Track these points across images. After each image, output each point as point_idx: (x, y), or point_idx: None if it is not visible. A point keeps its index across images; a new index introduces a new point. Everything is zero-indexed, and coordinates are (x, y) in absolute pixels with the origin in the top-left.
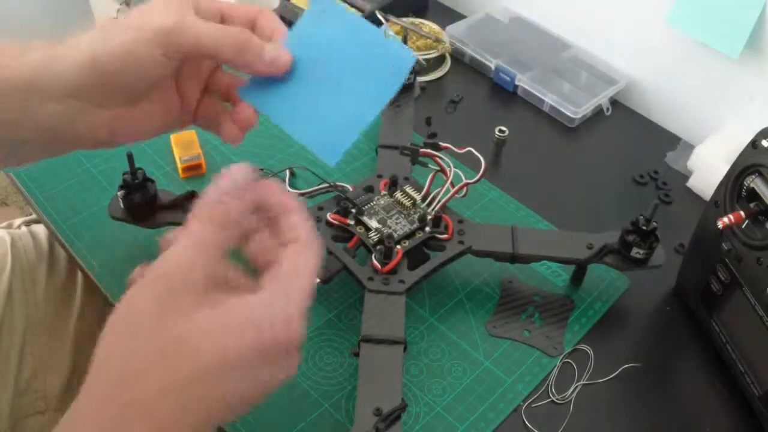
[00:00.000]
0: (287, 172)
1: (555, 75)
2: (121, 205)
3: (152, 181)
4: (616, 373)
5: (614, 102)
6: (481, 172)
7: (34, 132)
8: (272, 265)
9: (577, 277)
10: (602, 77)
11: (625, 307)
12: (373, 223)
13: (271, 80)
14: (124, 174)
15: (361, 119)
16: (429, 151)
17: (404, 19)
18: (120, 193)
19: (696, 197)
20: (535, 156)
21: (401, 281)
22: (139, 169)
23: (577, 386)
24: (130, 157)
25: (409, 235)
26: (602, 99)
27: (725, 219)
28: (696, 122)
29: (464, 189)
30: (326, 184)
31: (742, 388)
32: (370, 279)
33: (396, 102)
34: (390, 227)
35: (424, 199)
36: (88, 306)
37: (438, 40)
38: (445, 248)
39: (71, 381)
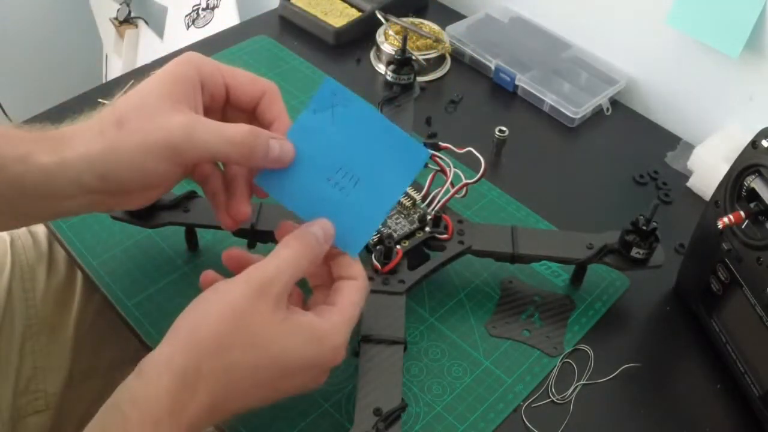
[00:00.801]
0: None
1: (555, 75)
2: None
3: None
4: (616, 373)
5: (614, 102)
6: (481, 172)
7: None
8: (324, 289)
9: (577, 277)
10: (602, 77)
11: (625, 307)
12: None
13: (287, 169)
14: None
15: (379, 213)
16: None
17: (404, 19)
18: None
19: (696, 197)
20: (535, 156)
21: (401, 281)
22: None
23: (577, 386)
24: None
25: (409, 235)
26: (602, 99)
27: (725, 219)
28: (696, 122)
29: (464, 189)
30: None
31: (742, 388)
32: (370, 279)
33: (396, 102)
34: (390, 227)
35: (424, 199)
36: (87, 306)
37: (438, 40)
38: (445, 248)
39: (71, 381)
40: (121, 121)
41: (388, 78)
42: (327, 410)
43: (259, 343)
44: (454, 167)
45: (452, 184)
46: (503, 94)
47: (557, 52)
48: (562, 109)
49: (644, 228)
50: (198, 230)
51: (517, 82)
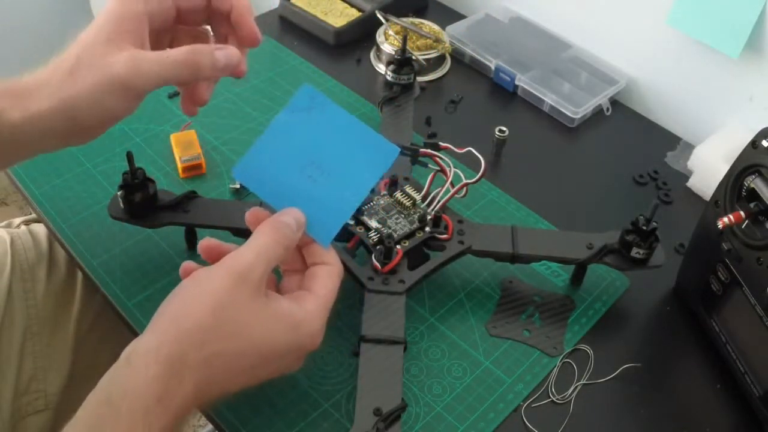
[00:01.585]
0: None
1: (555, 75)
2: (121, 205)
3: (152, 181)
4: (616, 373)
5: (614, 102)
6: (481, 172)
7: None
8: (295, 274)
9: (577, 277)
10: (602, 77)
11: (625, 307)
12: (373, 223)
13: (263, 163)
14: (124, 174)
15: (349, 205)
16: (429, 151)
17: (404, 19)
18: (120, 193)
19: (696, 197)
20: (535, 156)
21: (401, 281)
22: (139, 168)
23: (577, 386)
24: (130, 156)
25: (409, 235)
26: (602, 99)
27: (725, 219)
28: (696, 122)
29: (464, 189)
30: None
31: (742, 388)
32: (370, 279)
33: (396, 102)
34: (390, 227)
35: (424, 199)
36: (88, 306)
37: (438, 40)
38: (445, 248)
39: (71, 380)
40: (74, 69)
41: (388, 78)
42: (327, 410)
43: (241, 332)
44: (454, 167)
45: (452, 184)
46: (503, 94)
47: (557, 52)
48: (562, 109)
49: (644, 228)
50: (198, 230)
51: (517, 82)
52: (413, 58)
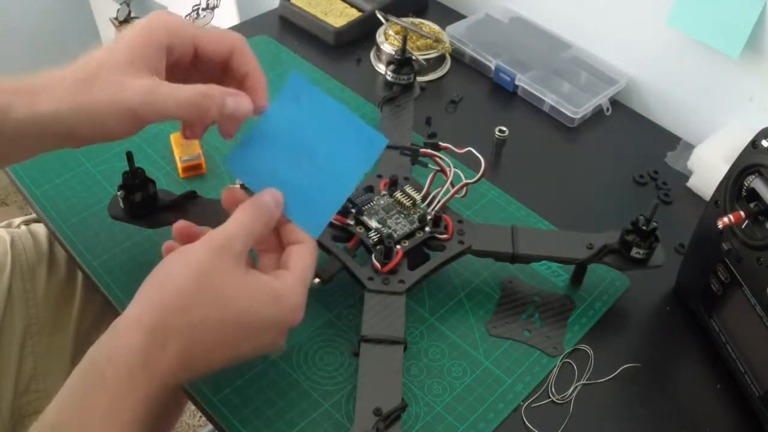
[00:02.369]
0: None
1: (555, 75)
2: (121, 205)
3: (152, 181)
4: (616, 373)
5: (614, 102)
6: (481, 172)
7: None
8: (271, 254)
9: (577, 277)
10: (602, 77)
11: (625, 307)
12: (373, 223)
13: (254, 154)
14: (124, 174)
15: (339, 196)
16: (429, 151)
17: (404, 19)
18: (120, 193)
19: (696, 197)
20: (535, 156)
21: (401, 281)
22: (139, 168)
23: (577, 386)
24: (129, 156)
25: (409, 235)
26: (602, 99)
27: (725, 219)
28: (696, 122)
29: (464, 189)
30: None
31: (742, 388)
32: (370, 279)
33: (396, 102)
34: (390, 227)
35: (424, 199)
36: (88, 306)
37: (438, 40)
38: (445, 248)
39: None
40: (89, 81)
41: (388, 78)
42: (327, 410)
43: (222, 299)
44: (454, 167)
45: (452, 184)
46: (503, 94)
47: (557, 52)
48: (562, 109)
49: (644, 228)
50: None
51: (517, 82)
52: (413, 58)
